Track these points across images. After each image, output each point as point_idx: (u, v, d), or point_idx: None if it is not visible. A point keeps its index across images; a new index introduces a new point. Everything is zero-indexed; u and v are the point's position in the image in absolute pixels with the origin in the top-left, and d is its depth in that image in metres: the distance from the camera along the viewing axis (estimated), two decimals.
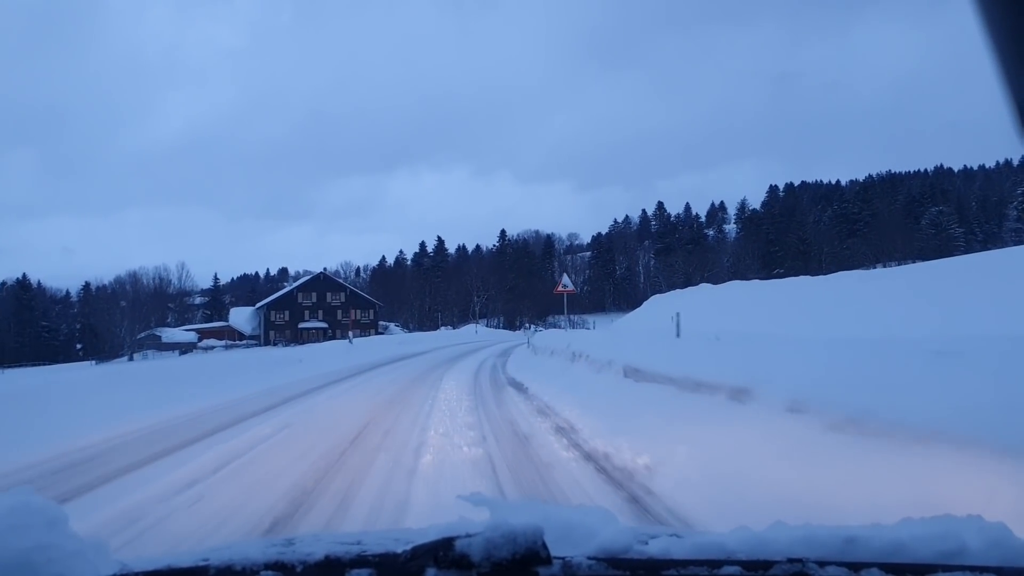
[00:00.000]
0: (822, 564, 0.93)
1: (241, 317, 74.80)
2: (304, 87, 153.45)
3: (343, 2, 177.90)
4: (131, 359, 52.52)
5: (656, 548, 0.98)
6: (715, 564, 0.93)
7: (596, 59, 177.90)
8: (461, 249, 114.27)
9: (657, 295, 44.14)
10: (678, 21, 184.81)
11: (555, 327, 76.84)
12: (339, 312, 76.03)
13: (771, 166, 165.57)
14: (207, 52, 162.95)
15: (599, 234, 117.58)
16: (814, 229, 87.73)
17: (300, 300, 76.09)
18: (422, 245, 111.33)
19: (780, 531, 1.02)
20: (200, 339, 64.28)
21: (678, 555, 0.96)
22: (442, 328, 69.15)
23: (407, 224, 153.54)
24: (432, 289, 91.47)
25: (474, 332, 41.52)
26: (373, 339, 37.91)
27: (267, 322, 71.39)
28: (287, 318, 73.87)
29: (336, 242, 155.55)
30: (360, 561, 0.87)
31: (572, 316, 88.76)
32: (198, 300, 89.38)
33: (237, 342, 62.35)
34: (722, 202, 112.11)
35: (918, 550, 0.95)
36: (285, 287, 79.60)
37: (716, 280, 67.12)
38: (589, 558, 0.91)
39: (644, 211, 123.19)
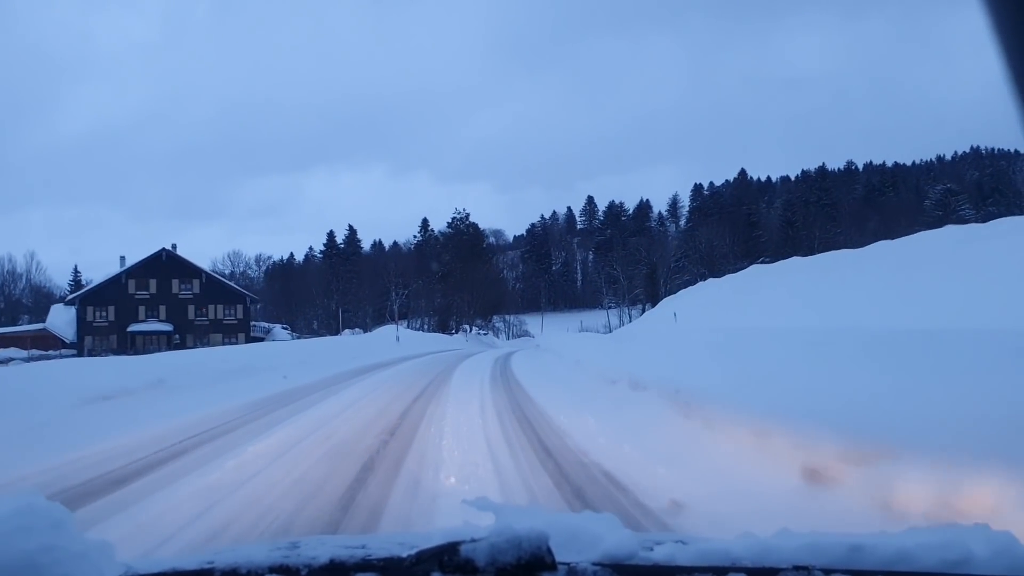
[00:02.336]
0: (828, 572, 0.94)
1: (62, 318, 58.38)
2: (219, 83, 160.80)
3: None
4: None
5: (661, 554, 0.99)
6: (720, 571, 0.94)
7: (517, 60, 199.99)
8: (377, 244, 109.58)
9: (706, 282, 41.85)
10: (601, 24, 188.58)
11: (489, 332, 70.97)
12: (191, 308, 59.38)
13: (691, 167, 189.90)
14: (117, 44, 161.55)
15: (532, 225, 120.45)
16: (802, 212, 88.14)
17: (132, 291, 58.22)
18: (330, 236, 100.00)
19: (786, 538, 1.03)
20: None
21: (683, 562, 0.97)
22: (346, 332, 57.92)
23: (324, 224, 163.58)
24: (341, 286, 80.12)
25: (395, 340, 34.31)
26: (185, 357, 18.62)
27: (83, 323, 56.10)
28: (112, 317, 56.66)
29: (250, 243, 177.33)
30: (365, 565, 0.88)
31: (508, 317, 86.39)
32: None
33: (48, 352, 47.20)
34: (647, 200, 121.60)
35: (924, 558, 0.96)
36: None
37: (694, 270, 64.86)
38: (594, 564, 0.92)
39: (570, 208, 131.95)
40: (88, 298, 58.07)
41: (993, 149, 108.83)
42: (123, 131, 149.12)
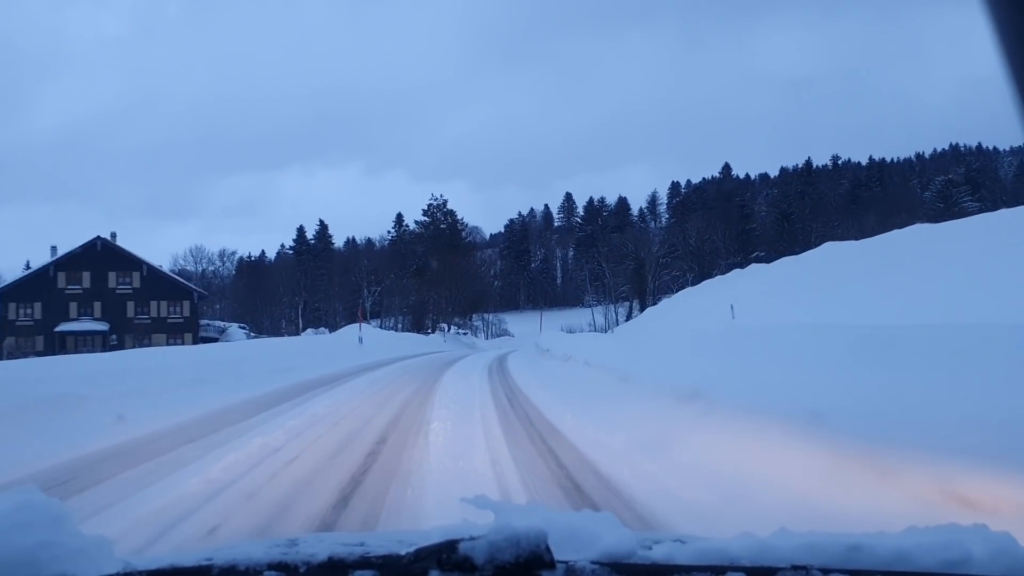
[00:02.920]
0: (826, 571, 0.95)
1: None
2: (192, 80, 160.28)
3: None
4: None
5: (660, 553, 0.99)
6: (719, 570, 0.94)
7: (494, 57, 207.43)
8: (351, 242, 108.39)
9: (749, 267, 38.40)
10: (578, 21, 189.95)
11: (468, 331, 68.13)
12: (131, 305, 54.60)
13: (668, 165, 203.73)
14: (89, 41, 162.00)
15: (511, 221, 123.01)
16: (798, 204, 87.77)
17: (61, 285, 53.43)
18: (300, 231, 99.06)
19: (784, 538, 1.04)
20: None
21: (682, 561, 0.97)
22: (308, 331, 55.67)
23: (299, 222, 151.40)
24: (310, 283, 77.20)
25: (357, 341, 28.33)
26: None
27: (3, 322, 51.25)
28: (38, 315, 51.99)
29: (223, 241, 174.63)
30: (363, 562, 0.88)
31: (487, 315, 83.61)
32: None
33: None
34: (626, 197, 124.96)
35: (922, 559, 0.97)
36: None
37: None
38: (593, 563, 0.92)
39: (547, 206, 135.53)
40: (9, 293, 53.30)
41: (973, 146, 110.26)
42: (93, 128, 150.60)
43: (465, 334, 64.06)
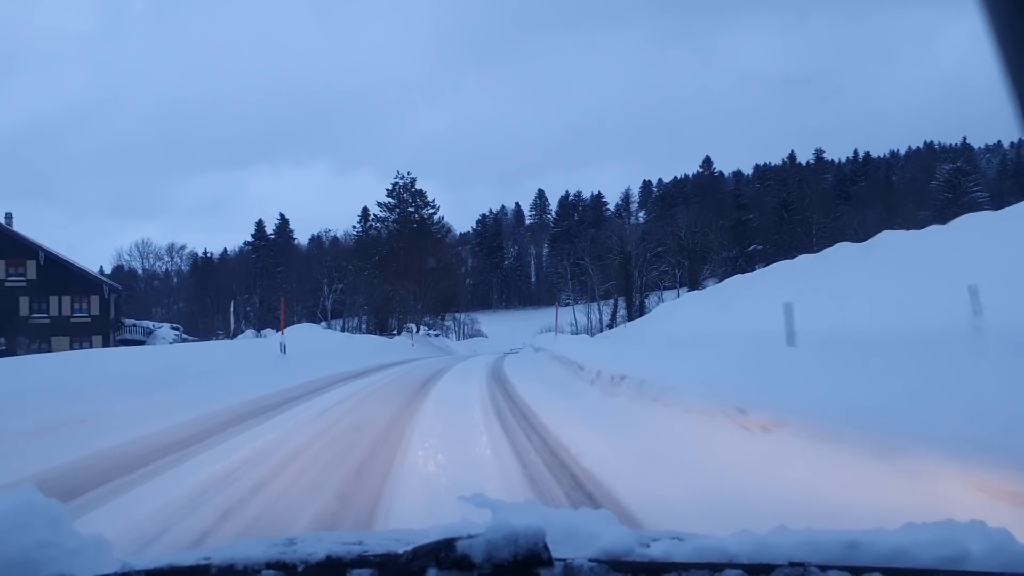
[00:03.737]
0: (824, 568, 0.95)
1: None
2: (157, 77, 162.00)
3: None
4: None
5: (657, 551, 1.00)
6: (716, 567, 0.95)
7: (464, 56, 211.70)
8: (315, 239, 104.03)
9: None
10: (550, 20, 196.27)
11: (440, 332, 63.33)
12: (24, 301, 46.77)
13: (639, 164, 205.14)
14: (52, 36, 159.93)
15: (483, 216, 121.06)
16: (797, 194, 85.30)
17: None
18: (259, 225, 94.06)
19: (782, 535, 1.04)
20: None
21: (679, 558, 0.98)
22: (249, 333, 50.19)
23: (265, 222, 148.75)
24: (267, 281, 71.35)
25: (279, 351, 19.13)
26: None
27: None
28: None
29: (189, 241, 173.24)
30: (361, 561, 0.88)
31: (459, 315, 78.34)
32: None
33: None
34: (600, 193, 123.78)
35: (920, 555, 0.97)
36: None
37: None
38: (591, 560, 0.93)
39: (518, 204, 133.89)
40: None
41: (949, 144, 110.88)
42: (56, 125, 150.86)
43: (436, 335, 59.80)
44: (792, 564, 1.10)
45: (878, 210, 70.60)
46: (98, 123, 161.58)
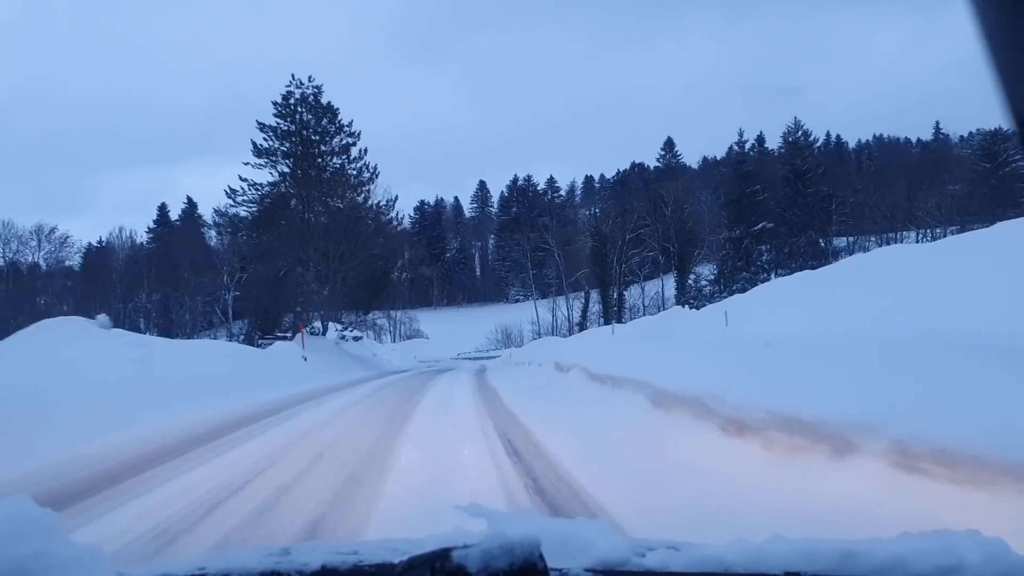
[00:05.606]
0: None
1: None
2: (85, 69, 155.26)
3: None
4: None
5: (654, 561, 1.00)
6: None
7: (400, 52, 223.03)
8: (217, 222, 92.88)
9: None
10: (491, 17, 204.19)
11: (365, 334, 41.50)
12: None
13: (582, 162, 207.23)
14: None
15: (421, 202, 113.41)
16: (812, 162, 71.54)
17: None
18: (162, 210, 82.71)
19: (778, 545, 1.05)
20: None
21: (676, 568, 0.98)
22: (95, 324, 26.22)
23: (169, 205, 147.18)
24: (164, 274, 62.38)
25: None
26: None
27: None
28: None
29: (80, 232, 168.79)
30: (356, 571, 0.89)
31: (394, 312, 69.45)
32: None
33: None
34: (553, 177, 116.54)
35: (916, 565, 0.98)
36: None
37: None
38: (586, 570, 0.93)
39: (457, 198, 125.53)
40: None
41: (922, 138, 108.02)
42: None
43: (358, 338, 39.48)
44: (788, 574, 1.10)
45: (901, 185, 62.93)
46: (20, 117, 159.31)
